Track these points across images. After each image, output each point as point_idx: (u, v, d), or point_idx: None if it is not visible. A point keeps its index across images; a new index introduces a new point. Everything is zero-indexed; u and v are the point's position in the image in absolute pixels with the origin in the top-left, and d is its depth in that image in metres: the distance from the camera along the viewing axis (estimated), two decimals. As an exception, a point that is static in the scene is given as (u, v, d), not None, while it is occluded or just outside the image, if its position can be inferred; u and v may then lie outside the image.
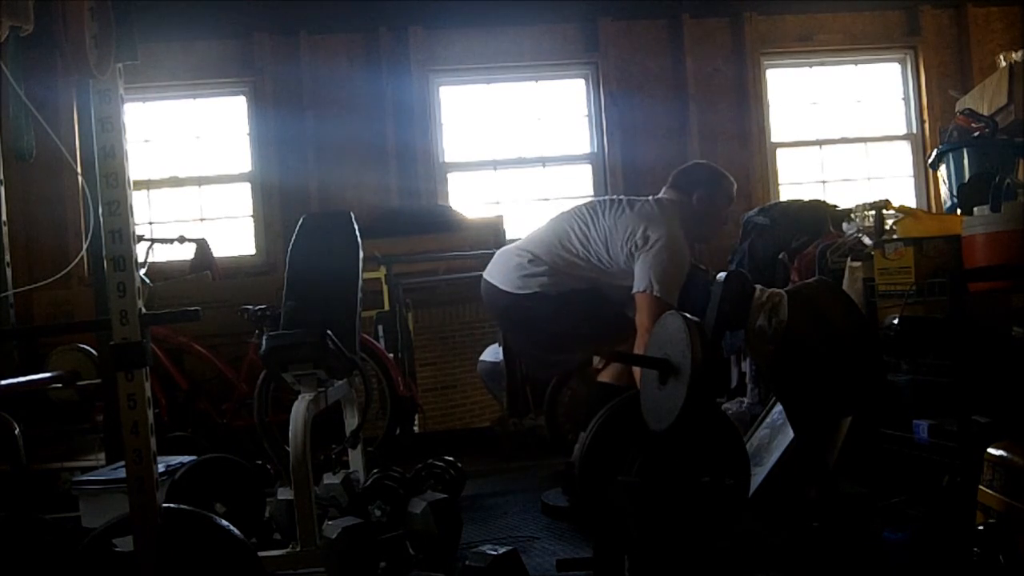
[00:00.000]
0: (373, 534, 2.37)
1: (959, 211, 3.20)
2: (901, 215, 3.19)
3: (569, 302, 2.92)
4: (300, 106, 5.08)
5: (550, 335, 3.00)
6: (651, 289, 2.77)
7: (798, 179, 5.54)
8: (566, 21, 5.30)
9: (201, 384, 4.09)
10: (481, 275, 3.20)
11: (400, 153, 5.13)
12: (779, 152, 5.50)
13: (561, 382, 3.75)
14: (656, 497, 2.09)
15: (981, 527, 1.82)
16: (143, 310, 1.76)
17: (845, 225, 3.54)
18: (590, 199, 3.25)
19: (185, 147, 5.22)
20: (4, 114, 1.87)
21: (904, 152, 5.60)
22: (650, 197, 3.08)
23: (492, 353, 4.26)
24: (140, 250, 4.15)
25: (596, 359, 3.12)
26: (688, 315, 2.17)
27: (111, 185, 1.73)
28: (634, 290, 2.83)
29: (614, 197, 3.12)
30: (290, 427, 2.35)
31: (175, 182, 5.22)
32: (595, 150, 5.35)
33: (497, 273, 3.07)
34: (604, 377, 2.96)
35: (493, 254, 3.24)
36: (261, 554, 2.09)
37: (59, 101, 4.43)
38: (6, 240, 2.71)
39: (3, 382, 2.39)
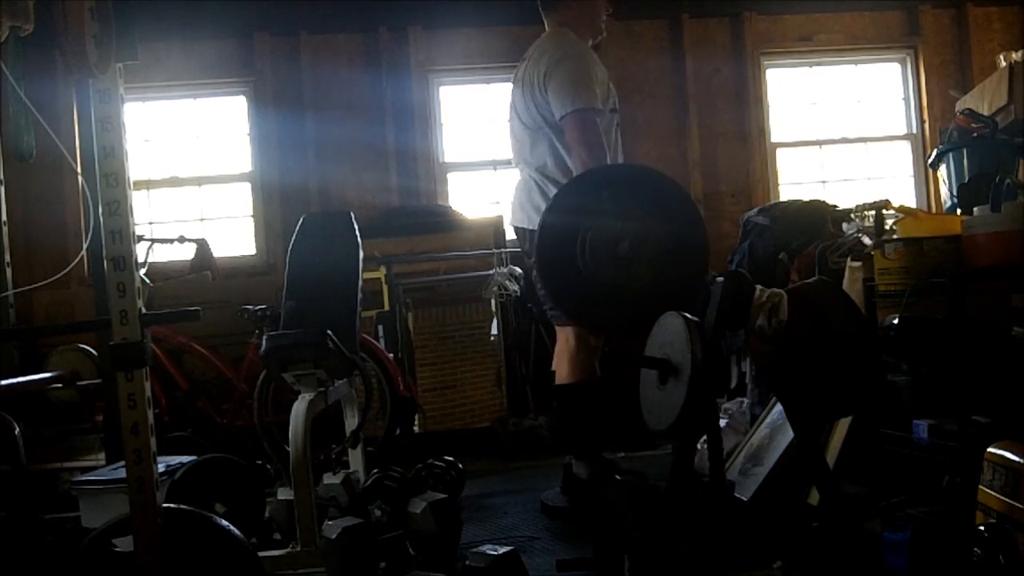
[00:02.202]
0: (373, 534, 2.37)
1: (959, 211, 3.20)
2: (901, 215, 3.19)
3: None
4: (300, 106, 5.08)
5: None
6: (568, 107, 2.81)
7: (798, 179, 5.54)
8: (566, 21, 5.29)
9: (201, 384, 4.09)
10: (481, 275, 3.20)
11: (400, 153, 5.13)
12: (779, 152, 5.50)
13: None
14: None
15: (981, 527, 1.82)
16: (143, 310, 1.76)
17: (845, 225, 3.54)
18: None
19: (185, 147, 5.23)
20: (4, 114, 1.87)
21: (904, 152, 5.60)
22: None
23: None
24: (140, 250, 4.15)
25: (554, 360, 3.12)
26: (688, 315, 2.17)
27: (111, 185, 1.73)
28: (558, 119, 2.85)
29: (518, 69, 3.16)
30: (290, 427, 2.35)
31: (175, 182, 5.22)
32: (595, 150, 5.34)
33: (518, 211, 3.11)
34: (560, 380, 2.97)
35: (493, 254, 3.24)
36: (261, 554, 2.09)
37: (59, 101, 4.44)
38: (6, 240, 2.71)
39: (3, 382, 2.39)
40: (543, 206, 2.94)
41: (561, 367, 2.97)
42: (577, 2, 3.09)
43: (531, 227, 3.00)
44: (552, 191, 2.95)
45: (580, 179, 2.60)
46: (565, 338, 2.96)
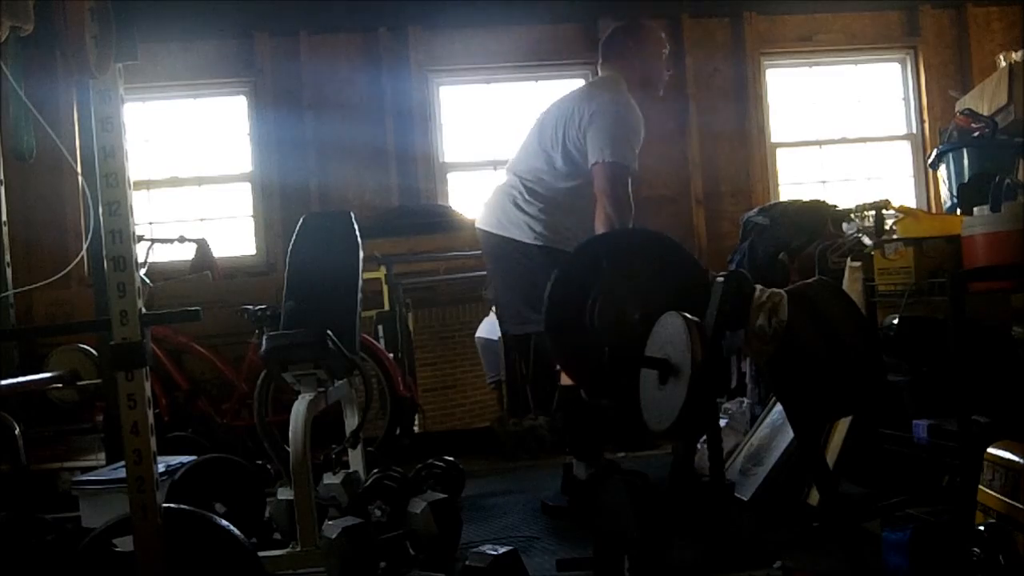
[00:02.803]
0: (373, 534, 2.37)
1: (959, 211, 3.20)
2: (901, 215, 3.19)
3: (554, 259, 2.90)
4: (300, 106, 5.08)
5: (531, 289, 2.97)
6: (603, 157, 2.79)
7: (798, 179, 5.54)
8: (566, 21, 5.30)
9: (201, 384, 4.09)
10: (481, 275, 3.20)
11: (400, 153, 5.13)
12: (779, 152, 5.50)
13: None
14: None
15: (981, 527, 1.82)
16: (143, 310, 1.76)
17: (845, 225, 3.54)
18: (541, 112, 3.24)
19: (185, 147, 5.22)
20: (4, 114, 1.87)
21: (904, 152, 5.60)
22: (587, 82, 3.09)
23: (487, 327, 4.27)
24: (140, 250, 4.15)
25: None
26: (688, 315, 2.17)
27: (111, 185, 1.73)
28: (590, 164, 2.84)
29: (556, 100, 3.14)
30: (290, 427, 2.35)
31: (175, 182, 5.22)
32: (595, 150, 5.35)
33: (489, 216, 3.08)
34: (566, 381, 2.96)
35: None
36: (261, 554, 2.09)
37: (59, 101, 4.43)
38: (6, 240, 2.71)
39: (3, 382, 2.39)
40: (515, 217, 2.94)
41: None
42: (640, 59, 3.05)
43: (500, 232, 2.99)
44: (525, 205, 2.94)
45: (592, 243, 2.58)
46: None
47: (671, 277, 2.39)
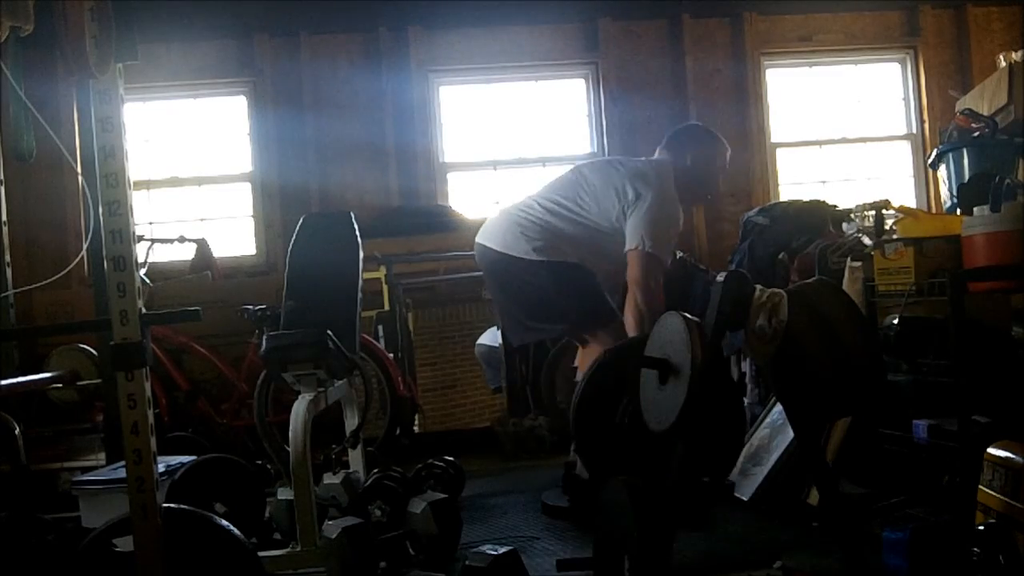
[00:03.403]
0: (373, 534, 2.37)
1: (959, 211, 3.20)
2: (901, 215, 3.19)
3: (558, 273, 2.92)
4: (300, 106, 5.08)
5: (535, 302, 2.99)
6: (643, 246, 2.80)
7: (798, 179, 5.54)
8: (566, 21, 5.30)
9: (201, 384, 4.09)
10: (481, 275, 3.21)
11: (400, 153, 5.13)
12: (779, 152, 5.50)
13: (559, 355, 3.76)
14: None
15: (981, 527, 1.82)
16: (143, 310, 1.76)
17: (845, 225, 3.54)
18: (585, 161, 3.25)
19: (185, 147, 5.22)
20: (4, 114, 1.87)
21: (904, 152, 5.60)
22: (644, 157, 3.09)
23: (490, 336, 4.27)
24: (140, 250, 4.15)
25: (576, 358, 3.12)
26: (688, 315, 2.17)
27: (111, 185, 1.73)
28: (626, 248, 2.84)
29: (609, 158, 3.14)
30: (290, 427, 2.35)
31: (175, 182, 5.22)
32: (595, 150, 5.35)
33: (491, 233, 3.08)
34: (582, 371, 2.96)
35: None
36: (261, 554, 2.09)
37: (59, 101, 4.43)
38: (6, 240, 2.72)
39: (3, 382, 2.39)
40: (519, 239, 2.95)
41: (586, 360, 2.96)
42: (699, 166, 3.06)
43: (504, 251, 3.00)
44: (531, 232, 2.95)
45: (630, 347, 2.59)
46: (593, 351, 2.95)
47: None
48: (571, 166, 3.21)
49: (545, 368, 3.77)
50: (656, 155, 3.11)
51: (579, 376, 2.97)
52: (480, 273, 3.30)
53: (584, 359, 2.97)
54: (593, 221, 2.94)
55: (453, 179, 5.34)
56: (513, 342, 3.59)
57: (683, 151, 3.06)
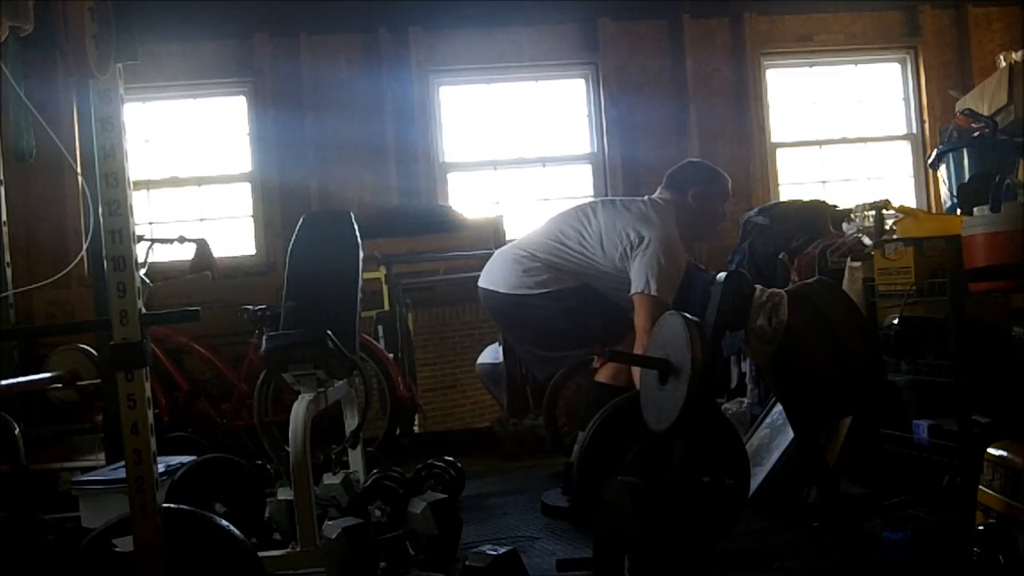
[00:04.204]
0: (373, 534, 2.37)
1: (959, 211, 3.20)
2: (901, 215, 3.19)
3: (566, 298, 2.92)
4: (300, 106, 5.08)
5: (547, 332, 3.01)
6: (648, 289, 2.80)
7: (798, 179, 5.54)
8: (566, 21, 5.30)
9: (201, 384, 4.09)
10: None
11: (400, 153, 5.13)
12: (779, 152, 5.50)
13: (561, 381, 3.76)
14: (656, 497, 2.09)
15: (981, 527, 1.82)
16: (143, 310, 1.76)
17: (845, 225, 3.54)
18: (586, 200, 3.26)
19: (185, 147, 5.22)
20: (4, 114, 1.87)
21: (904, 152, 5.60)
22: (646, 197, 3.10)
23: (491, 354, 4.26)
24: (140, 250, 4.15)
25: (595, 359, 3.13)
26: (688, 315, 2.17)
27: (111, 185, 1.73)
28: (631, 292, 2.85)
29: (610, 198, 3.15)
30: (290, 427, 2.35)
31: (175, 182, 5.22)
32: (595, 150, 5.35)
33: (493, 276, 3.10)
34: (601, 377, 2.97)
35: (493, 254, 3.25)
36: (261, 554, 2.09)
37: (59, 101, 4.43)
38: (6, 240, 2.71)
39: (3, 382, 2.39)
40: (521, 278, 2.96)
41: (606, 370, 2.97)
42: (697, 204, 3.06)
43: (504, 290, 3.00)
44: (532, 270, 2.96)
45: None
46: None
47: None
48: (575, 205, 3.20)
49: (547, 397, 3.76)
50: (657, 194, 3.11)
51: (599, 377, 2.98)
52: (480, 273, 3.30)
53: (608, 369, 2.96)
54: (595, 262, 2.95)
55: (453, 179, 5.34)
56: (540, 376, 3.60)
57: (684, 189, 3.07)
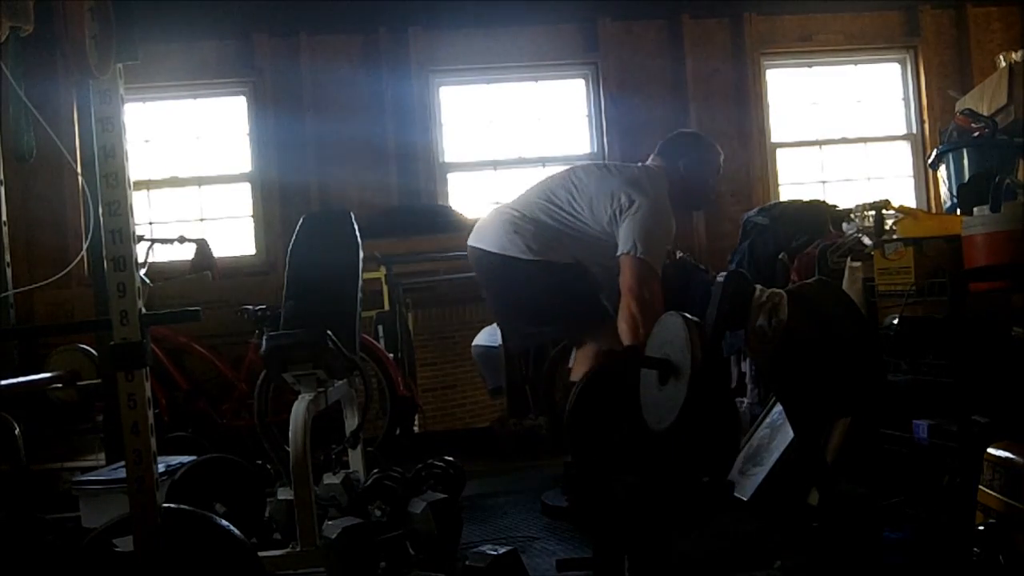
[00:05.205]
0: (373, 534, 2.37)
1: (959, 211, 3.20)
2: (901, 215, 3.19)
3: (554, 272, 2.90)
4: (300, 106, 5.08)
5: (529, 303, 2.97)
6: (635, 251, 2.79)
7: (798, 179, 5.54)
8: (566, 21, 5.30)
9: (201, 384, 4.09)
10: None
11: (400, 153, 5.13)
12: (779, 152, 5.50)
13: (559, 357, 3.75)
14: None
15: (981, 527, 1.82)
16: (143, 310, 1.76)
17: (845, 225, 3.54)
18: (578, 164, 3.24)
19: (185, 147, 5.22)
20: (4, 114, 1.87)
21: (904, 152, 5.60)
22: (639, 163, 3.09)
23: (486, 336, 4.26)
24: (140, 250, 4.15)
25: (571, 359, 3.12)
26: (688, 315, 2.17)
27: (111, 185, 1.73)
28: (618, 252, 2.84)
29: (602, 163, 3.13)
30: (290, 427, 2.35)
31: (175, 182, 5.22)
32: (595, 150, 5.35)
33: (484, 235, 3.07)
34: (575, 377, 2.96)
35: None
36: (261, 554, 2.09)
37: (59, 101, 4.43)
38: (6, 240, 2.71)
39: (3, 382, 2.38)
40: (512, 238, 2.94)
41: (579, 368, 2.96)
42: (688, 173, 3.05)
43: (494, 250, 3.00)
44: (523, 229, 2.95)
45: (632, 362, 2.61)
46: (587, 352, 2.94)
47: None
48: (568, 167, 3.20)
49: (546, 366, 3.76)
50: (649, 161, 3.11)
51: (573, 377, 2.97)
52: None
53: (579, 361, 2.97)
54: (584, 224, 2.93)
55: (453, 179, 5.34)
56: (512, 348, 3.57)
57: (676, 158, 3.06)
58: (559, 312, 2.93)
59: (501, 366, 4.17)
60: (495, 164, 5.37)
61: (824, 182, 5.55)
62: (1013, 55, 4.12)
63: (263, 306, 3.62)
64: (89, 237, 2.23)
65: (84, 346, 3.02)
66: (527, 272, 2.92)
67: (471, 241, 3.12)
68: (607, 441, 2.38)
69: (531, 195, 3.08)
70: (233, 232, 5.21)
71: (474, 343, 4.33)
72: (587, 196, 2.94)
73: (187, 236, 4.65)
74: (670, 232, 2.93)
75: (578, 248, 2.95)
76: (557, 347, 3.92)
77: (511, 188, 5.30)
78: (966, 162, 3.67)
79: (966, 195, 3.10)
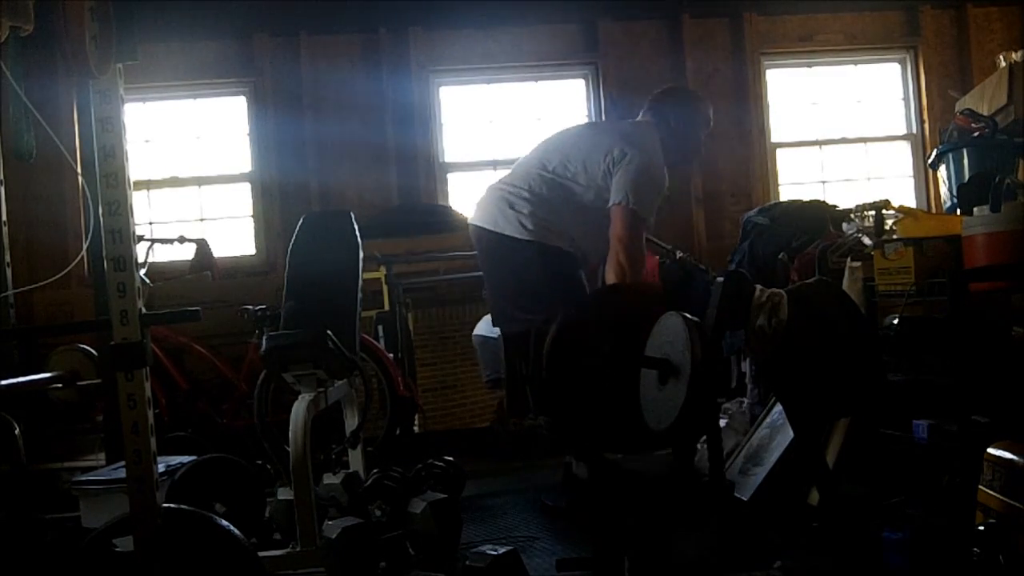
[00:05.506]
0: (373, 534, 2.37)
1: (959, 211, 3.20)
2: (901, 215, 3.19)
3: (545, 260, 2.91)
4: (300, 106, 5.08)
5: (518, 287, 2.99)
6: (627, 201, 2.83)
7: (798, 179, 5.54)
8: (566, 21, 5.30)
9: (201, 384, 4.09)
10: (481, 275, 3.20)
11: (400, 153, 5.13)
12: (779, 152, 5.50)
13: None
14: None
15: (981, 527, 1.82)
16: (143, 310, 1.76)
17: (845, 225, 3.54)
18: (570, 125, 3.27)
19: (185, 147, 5.22)
20: (4, 114, 1.87)
21: (904, 152, 5.60)
22: (630, 120, 3.11)
23: (486, 325, 4.26)
24: (140, 250, 4.15)
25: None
26: (688, 315, 2.17)
27: (111, 185, 1.73)
28: (610, 203, 2.87)
29: (593, 121, 3.17)
30: (290, 427, 2.35)
31: (175, 182, 5.22)
32: (595, 150, 5.34)
33: (483, 213, 3.10)
34: None
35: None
36: (261, 554, 2.09)
37: (59, 101, 4.43)
38: (6, 240, 2.71)
39: (3, 382, 2.38)
40: (509, 214, 2.96)
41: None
42: (683, 126, 3.09)
43: (494, 229, 3.00)
44: (519, 204, 2.97)
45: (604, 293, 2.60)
46: None
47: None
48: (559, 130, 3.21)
49: (533, 355, 3.75)
50: (640, 117, 3.14)
51: None
52: (480, 273, 3.30)
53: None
54: (579, 186, 2.95)
55: (453, 179, 5.34)
56: (499, 327, 3.57)
57: (666, 113, 3.09)
58: (547, 302, 2.92)
59: (500, 357, 4.17)
60: (495, 164, 5.36)
61: (824, 182, 5.55)
62: (1013, 55, 4.12)
63: (263, 306, 3.62)
64: (89, 237, 2.23)
65: (84, 346, 3.02)
66: (524, 255, 2.94)
67: (471, 220, 3.16)
68: (585, 385, 2.37)
69: (526, 165, 3.11)
70: (233, 232, 5.21)
71: (474, 332, 4.33)
72: (581, 155, 2.98)
73: (187, 236, 4.65)
74: (662, 185, 2.97)
75: (574, 218, 2.96)
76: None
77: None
78: (966, 162, 3.67)
79: (966, 195, 3.10)
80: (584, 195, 2.95)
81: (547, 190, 2.97)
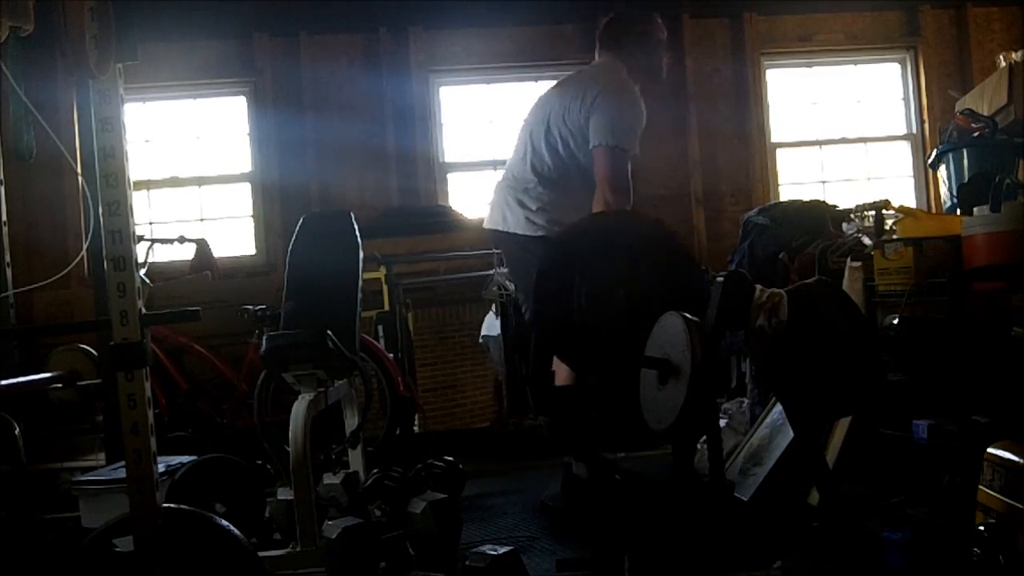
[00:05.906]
0: (373, 534, 2.37)
1: (959, 211, 3.20)
2: (901, 215, 3.19)
3: (554, 249, 2.90)
4: (300, 106, 5.08)
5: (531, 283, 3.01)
6: (606, 141, 2.84)
7: (798, 179, 5.54)
8: (566, 21, 5.30)
9: (201, 384, 4.09)
10: (481, 275, 3.21)
11: (400, 153, 5.13)
12: (779, 152, 5.50)
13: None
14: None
15: (981, 527, 1.82)
16: (143, 310, 1.76)
17: (845, 225, 3.54)
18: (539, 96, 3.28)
19: (185, 147, 5.22)
20: (4, 114, 1.87)
21: (904, 152, 5.60)
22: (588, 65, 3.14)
23: (486, 326, 4.27)
24: (140, 250, 4.15)
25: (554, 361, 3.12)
26: (688, 315, 2.17)
27: (111, 185, 1.73)
28: (591, 145, 2.88)
29: (556, 81, 3.19)
30: (290, 427, 2.35)
31: (175, 182, 5.22)
32: (595, 150, 5.34)
33: (494, 214, 3.12)
34: (560, 380, 2.96)
35: (493, 254, 3.26)
36: (261, 554, 2.09)
37: (59, 101, 4.43)
38: (6, 240, 2.71)
39: (3, 382, 2.39)
40: (517, 212, 2.97)
41: (562, 368, 2.96)
42: (640, 47, 3.10)
43: (504, 229, 3.00)
44: (526, 200, 2.97)
45: (580, 225, 2.62)
46: None
47: (652, 254, 2.42)
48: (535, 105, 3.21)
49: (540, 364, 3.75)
50: (598, 58, 3.15)
51: (557, 381, 2.98)
52: (480, 273, 3.32)
53: (559, 363, 2.97)
54: (578, 149, 2.95)
55: (453, 179, 5.34)
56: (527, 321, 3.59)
57: (622, 43, 3.09)
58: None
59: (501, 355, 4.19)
60: (495, 164, 5.36)
61: (824, 182, 5.55)
62: (1013, 55, 4.12)
63: (263, 306, 3.63)
64: (89, 237, 2.23)
65: (84, 346, 3.02)
66: (533, 252, 2.94)
67: (485, 224, 3.17)
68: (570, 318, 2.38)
69: (517, 156, 3.11)
70: (233, 232, 5.21)
71: (483, 333, 4.34)
72: (558, 118, 2.98)
73: (187, 236, 4.64)
74: (639, 110, 2.96)
75: (585, 186, 2.96)
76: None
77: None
78: (966, 162, 3.67)
79: (966, 195, 3.10)
80: (584, 158, 2.95)
81: (551, 169, 2.97)
